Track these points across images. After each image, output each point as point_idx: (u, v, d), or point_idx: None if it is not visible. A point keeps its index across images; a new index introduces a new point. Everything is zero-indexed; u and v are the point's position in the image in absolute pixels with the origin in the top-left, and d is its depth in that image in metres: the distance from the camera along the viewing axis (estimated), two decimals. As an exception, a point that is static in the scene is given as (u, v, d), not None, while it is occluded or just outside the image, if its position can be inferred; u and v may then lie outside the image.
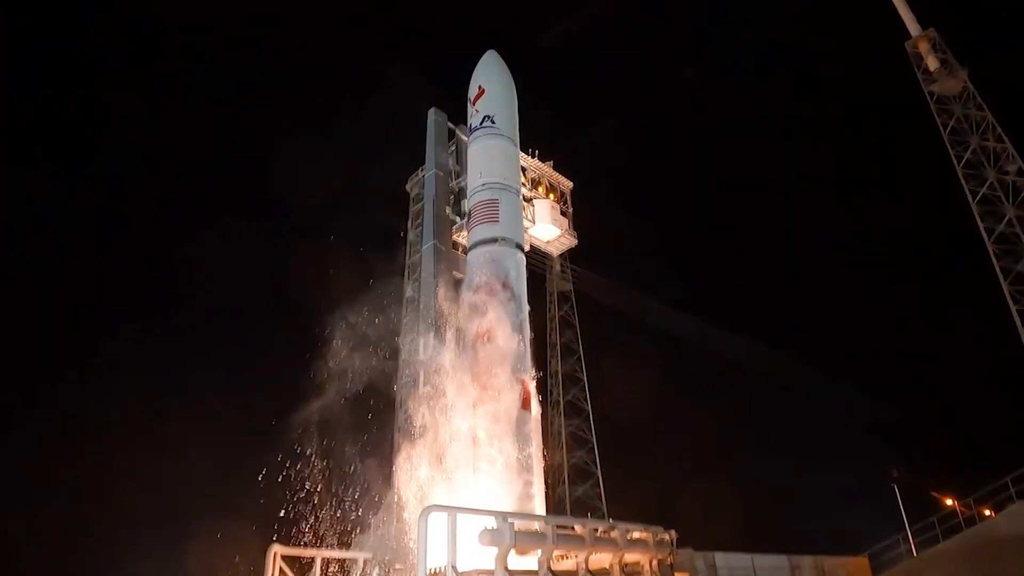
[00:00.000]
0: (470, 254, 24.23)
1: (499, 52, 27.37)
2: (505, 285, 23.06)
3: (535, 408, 22.59)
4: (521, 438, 21.51)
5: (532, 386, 22.48)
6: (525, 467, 21.42)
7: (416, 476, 21.18)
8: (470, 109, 26.34)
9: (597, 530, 20.83)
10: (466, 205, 25.98)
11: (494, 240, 23.66)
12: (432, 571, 15.26)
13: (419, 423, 21.98)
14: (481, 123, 25.53)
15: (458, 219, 27.72)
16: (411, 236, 30.63)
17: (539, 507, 22.14)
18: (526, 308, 23.66)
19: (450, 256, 27.70)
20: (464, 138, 28.04)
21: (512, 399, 21.87)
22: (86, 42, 54.96)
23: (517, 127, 26.27)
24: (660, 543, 23.54)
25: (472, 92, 26.53)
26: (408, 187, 32.83)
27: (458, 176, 29.10)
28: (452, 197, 28.77)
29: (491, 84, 26.46)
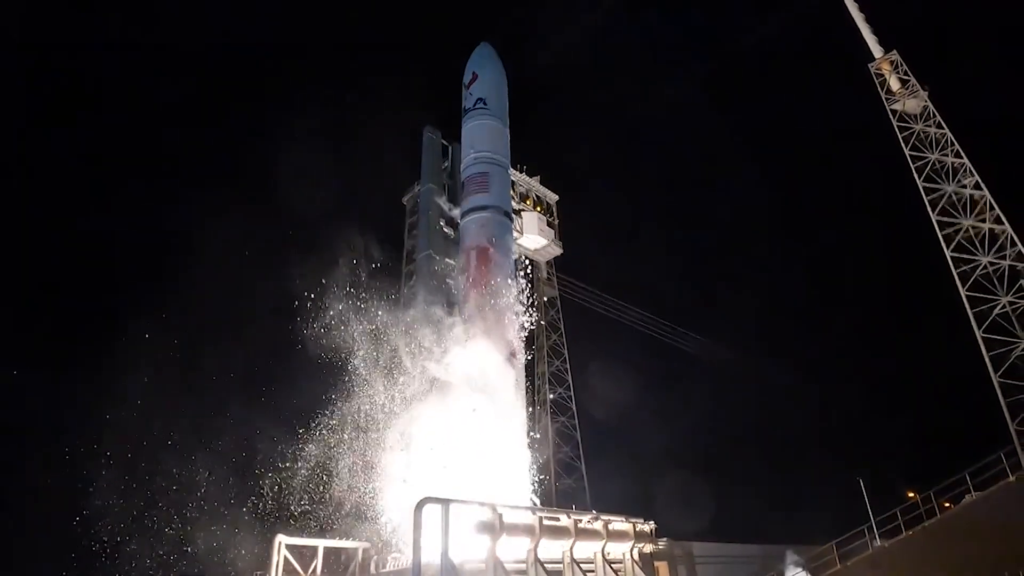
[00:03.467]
0: (463, 220, 25.58)
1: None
2: (494, 244, 24.55)
3: (520, 355, 24.19)
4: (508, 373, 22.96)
5: (518, 331, 24.02)
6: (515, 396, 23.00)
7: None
8: (464, 93, 27.34)
9: (580, 521, 20.97)
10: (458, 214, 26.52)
11: (484, 208, 25.11)
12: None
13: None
14: (474, 105, 26.73)
15: (452, 232, 28.00)
16: (407, 246, 30.74)
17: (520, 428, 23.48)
18: (513, 263, 25.22)
19: (444, 265, 27.96)
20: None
21: (502, 340, 23.31)
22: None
23: (507, 110, 27.39)
24: (640, 534, 23.71)
25: (467, 78, 27.56)
26: (404, 200, 32.94)
27: (451, 195, 29.36)
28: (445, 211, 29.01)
29: (484, 70, 27.46)
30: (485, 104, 26.67)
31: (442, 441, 21.30)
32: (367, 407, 22.65)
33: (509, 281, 24.30)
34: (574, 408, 39.73)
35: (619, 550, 22.66)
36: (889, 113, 37.70)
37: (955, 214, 34.47)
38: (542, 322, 40.74)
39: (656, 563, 23.61)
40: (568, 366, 40.87)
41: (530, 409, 34.76)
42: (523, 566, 18.92)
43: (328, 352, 23.20)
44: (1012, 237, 32.84)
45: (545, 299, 41.34)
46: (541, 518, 19.85)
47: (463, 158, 26.42)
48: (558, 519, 21.05)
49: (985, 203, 33.93)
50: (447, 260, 28.06)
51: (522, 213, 35.18)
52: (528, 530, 19.37)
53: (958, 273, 33.51)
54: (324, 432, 22.87)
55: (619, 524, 22.88)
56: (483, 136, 26.24)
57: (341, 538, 22.13)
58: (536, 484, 24.41)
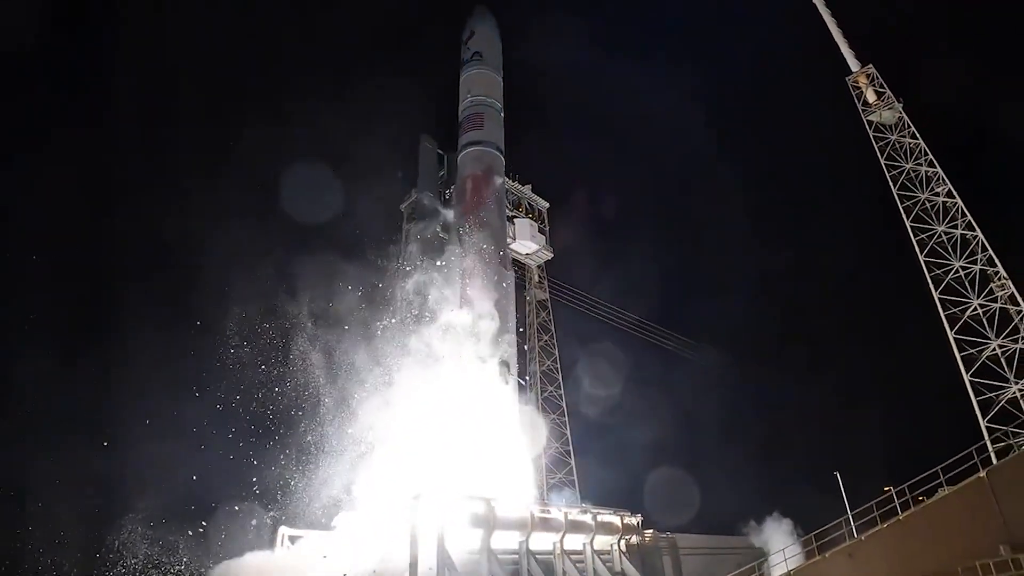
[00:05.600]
0: (461, 155, 27.93)
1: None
2: (487, 174, 27.15)
3: (510, 268, 27.14)
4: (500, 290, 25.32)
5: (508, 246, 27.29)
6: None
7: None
8: (463, 47, 29.92)
9: (569, 514, 21.09)
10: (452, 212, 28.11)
11: (480, 143, 27.64)
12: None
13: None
14: (471, 58, 29.42)
15: (448, 236, 28.30)
16: (405, 251, 30.82)
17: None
18: (504, 191, 28.05)
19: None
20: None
21: (495, 255, 25.82)
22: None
23: (500, 63, 29.85)
24: (627, 526, 23.81)
25: (465, 35, 30.16)
26: (402, 207, 33.00)
27: (447, 201, 29.68)
28: (441, 218, 29.31)
29: (481, 28, 29.93)
30: (481, 56, 29.20)
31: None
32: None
33: (500, 204, 27.21)
34: (564, 406, 39.85)
35: (607, 542, 22.83)
36: (865, 124, 37.96)
37: (929, 221, 34.72)
38: (534, 323, 40.88)
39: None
40: (559, 366, 40.99)
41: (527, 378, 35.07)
42: (516, 557, 19.05)
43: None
44: (983, 243, 33.10)
45: (537, 302, 41.48)
46: (533, 512, 19.96)
47: (461, 102, 28.96)
48: (549, 512, 21.21)
49: (957, 210, 34.19)
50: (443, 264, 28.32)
51: (515, 220, 35.37)
52: (520, 523, 19.49)
53: (931, 277, 33.74)
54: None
55: (607, 517, 23.02)
56: (479, 83, 28.74)
57: None
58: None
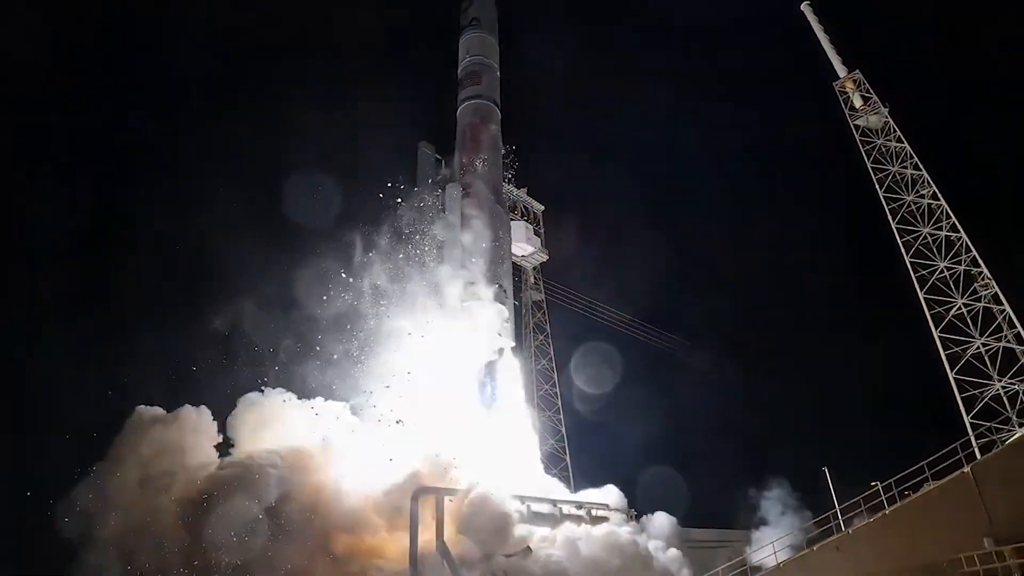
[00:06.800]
0: (460, 107, 30.38)
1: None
2: (484, 122, 29.87)
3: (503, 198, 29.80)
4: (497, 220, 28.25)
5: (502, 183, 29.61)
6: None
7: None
8: (462, 14, 32.30)
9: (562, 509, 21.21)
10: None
11: (477, 96, 30.09)
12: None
13: None
14: (470, 23, 31.80)
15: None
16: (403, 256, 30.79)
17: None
18: (500, 136, 30.41)
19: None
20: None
21: (493, 191, 28.56)
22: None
23: (496, 27, 32.21)
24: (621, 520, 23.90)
25: (464, 3, 32.46)
26: (399, 213, 32.98)
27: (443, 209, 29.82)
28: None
29: None
30: (479, 22, 31.65)
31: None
32: None
33: (496, 148, 29.78)
34: (559, 403, 39.97)
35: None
36: (852, 128, 38.15)
37: (914, 222, 34.93)
38: (530, 323, 40.98)
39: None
40: (554, 364, 41.12)
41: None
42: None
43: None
44: (967, 244, 33.33)
45: (532, 303, 41.59)
46: (529, 505, 20.07)
47: (460, 62, 31.42)
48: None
49: (942, 212, 34.41)
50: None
51: (510, 223, 35.44)
52: (519, 516, 19.60)
53: (917, 277, 33.95)
54: None
55: (601, 511, 23.16)
56: (476, 44, 31.21)
57: None
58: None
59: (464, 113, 30.09)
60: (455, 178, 28.79)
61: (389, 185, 26.72)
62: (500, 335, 25.48)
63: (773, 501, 31.09)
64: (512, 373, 26.05)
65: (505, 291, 27.17)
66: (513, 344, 26.73)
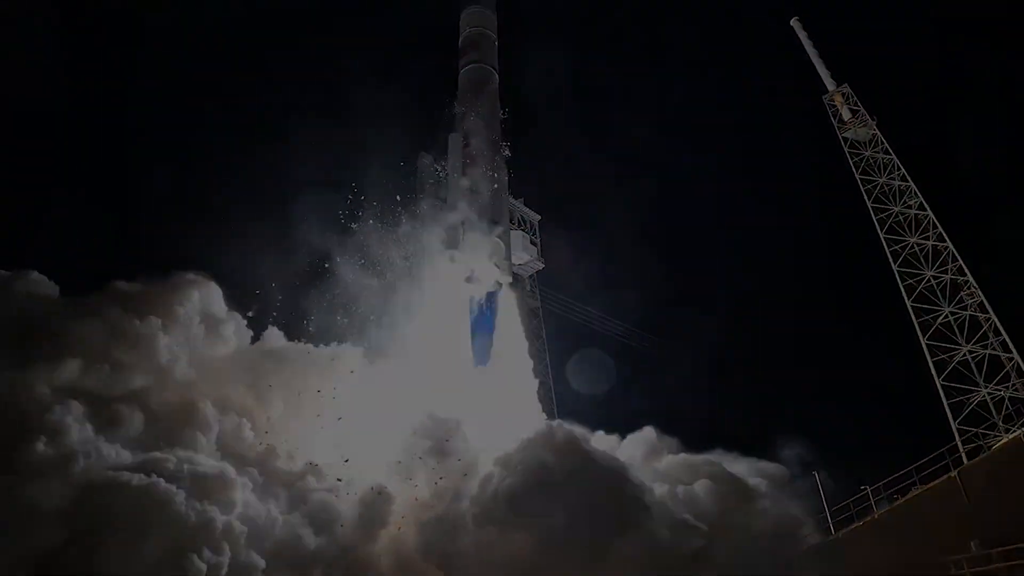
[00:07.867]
0: (461, 72, 32.11)
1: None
2: (483, 83, 31.68)
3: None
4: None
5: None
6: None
7: None
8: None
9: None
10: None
11: (477, 62, 31.80)
12: None
13: None
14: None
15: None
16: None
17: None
18: (497, 94, 32.02)
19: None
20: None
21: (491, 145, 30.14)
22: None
23: (494, 4, 33.83)
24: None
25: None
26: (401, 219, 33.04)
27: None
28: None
29: None
30: (479, 2, 33.24)
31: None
32: None
33: (494, 104, 31.41)
34: (554, 409, 39.96)
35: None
36: (841, 140, 38.40)
37: (901, 232, 35.15)
38: (526, 330, 40.96)
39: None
40: (549, 373, 41.08)
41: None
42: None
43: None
44: (953, 253, 33.54)
45: (528, 310, 41.61)
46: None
47: (461, 33, 33.03)
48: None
49: (929, 222, 34.62)
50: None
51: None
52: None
53: (905, 286, 34.14)
54: None
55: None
56: (475, 16, 32.81)
57: None
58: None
59: (465, 74, 31.97)
60: (457, 129, 30.69)
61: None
62: (498, 267, 27.91)
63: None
64: (510, 310, 28.78)
65: (503, 230, 29.23)
66: (511, 280, 29.24)
